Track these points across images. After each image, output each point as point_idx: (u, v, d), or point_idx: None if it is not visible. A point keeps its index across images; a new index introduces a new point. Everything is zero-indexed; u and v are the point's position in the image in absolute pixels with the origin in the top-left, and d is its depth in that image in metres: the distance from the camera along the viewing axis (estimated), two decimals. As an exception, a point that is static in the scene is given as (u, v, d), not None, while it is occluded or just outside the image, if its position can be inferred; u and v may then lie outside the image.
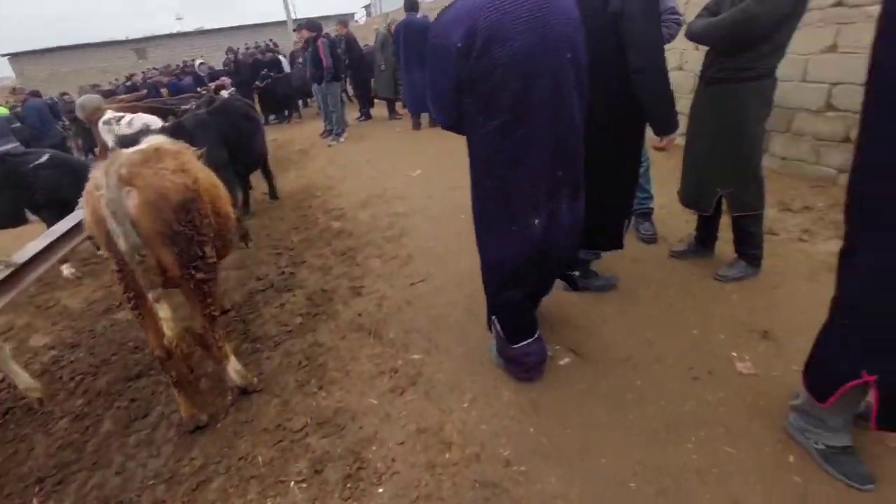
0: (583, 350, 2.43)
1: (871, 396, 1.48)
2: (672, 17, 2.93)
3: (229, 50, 11.12)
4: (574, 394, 2.17)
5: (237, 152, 4.21)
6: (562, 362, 2.37)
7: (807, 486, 1.65)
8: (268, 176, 5.47)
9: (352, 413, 2.23)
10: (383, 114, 10.02)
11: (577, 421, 2.02)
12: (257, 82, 10.64)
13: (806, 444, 1.74)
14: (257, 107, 10.32)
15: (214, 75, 10.55)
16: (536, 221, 1.89)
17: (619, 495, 1.70)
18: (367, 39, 11.79)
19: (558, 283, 2.57)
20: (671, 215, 3.66)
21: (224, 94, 7.88)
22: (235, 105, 4.44)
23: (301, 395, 2.39)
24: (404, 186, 5.36)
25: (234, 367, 2.38)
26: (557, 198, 1.93)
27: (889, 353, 1.42)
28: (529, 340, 2.16)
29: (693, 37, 2.62)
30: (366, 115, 10.13)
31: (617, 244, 2.60)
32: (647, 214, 3.53)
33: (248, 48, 16.03)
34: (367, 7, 27.62)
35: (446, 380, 2.36)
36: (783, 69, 4.07)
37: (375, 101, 10.18)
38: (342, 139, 8.32)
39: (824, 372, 1.61)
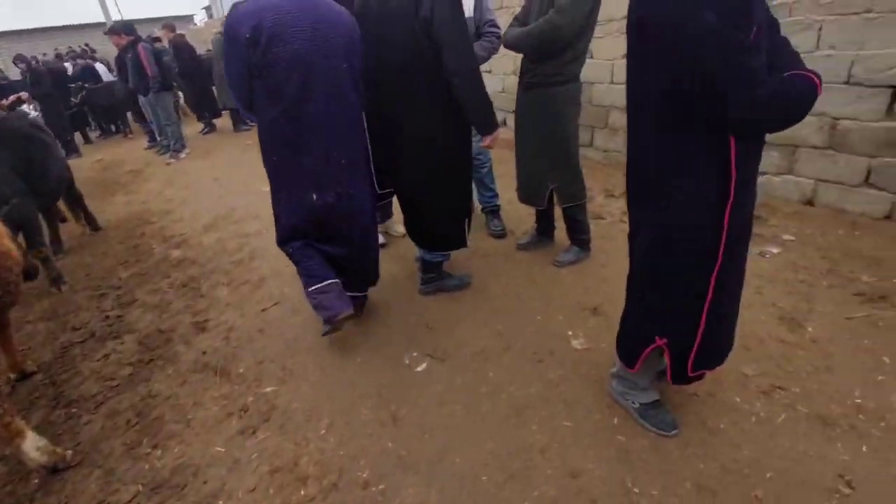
0: (438, 352, 2.47)
1: (665, 357, 1.73)
2: (493, 31, 3.12)
3: (18, 58, 9.20)
4: (432, 397, 2.20)
5: (28, 180, 3.51)
6: (419, 368, 2.39)
7: (629, 442, 1.88)
8: (77, 205, 4.67)
9: (194, 468, 1.99)
10: (229, 125, 9.27)
11: (437, 424, 2.05)
12: (72, 97, 9.09)
13: (626, 405, 1.98)
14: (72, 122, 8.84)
15: (8, 88, 8.73)
16: (314, 196, 2.20)
17: (474, 491, 1.75)
18: (208, 44, 10.78)
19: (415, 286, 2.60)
20: (516, 209, 3.93)
21: (26, 109, 6.56)
22: (14, 125, 3.67)
23: (130, 459, 2.07)
24: (257, 203, 4.99)
25: (32, 445, 1.97)
26: (335, 174, 2.21)
27: (671, 318, 1.66)
28: (320, 285, 2.31)
29: (507, 45, 2.83)
30: (210, 128, 9.27)
31: (460, 244, 2.70)
32: (494, 211, 3.74)
33: (45, 55, 13.64)
34: (207, 8, 25.16)
35: (303, 408, 2.23)
36: (595, 73, 4.58)
37: (221, 112, 9.36)
38: (182, 155, 7.50)
39: (629, 340, 1.83)
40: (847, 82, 3.12)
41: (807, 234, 3.29)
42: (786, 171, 3.59)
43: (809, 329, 2.44)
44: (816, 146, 3.38)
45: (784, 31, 1.46)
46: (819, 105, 3.30)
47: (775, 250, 3.14)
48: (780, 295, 2.71)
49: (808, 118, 3.22)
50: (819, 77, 1.31)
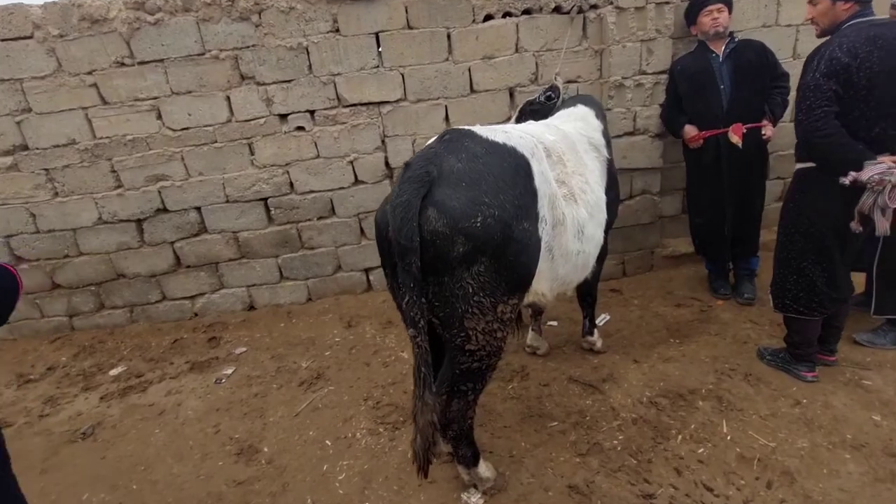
0: None
1: None
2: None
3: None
4: None
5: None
6: None
7: None
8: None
9: None
10: None
11: None
12: None
13: None
14: None
15: None
16: None
17: None
18: None
19: None
20: None
21: None
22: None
23: None
24: None
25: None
26: None
27: None
28: None
29: None
30: None
31: None
32: None
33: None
34: None
35: None
36: None
37: None
38: None
39: None
40: (227, 201, 3.39)
41: (257, 339, 3.37)
42: (218, 286, 3.61)
43: (265, 450, 2.33)
44: (233, 258, 3.54)
45: None
46: (220, 224, 3.51)
47: (229, 371, 3.01)
48: (235, 423, 2.54)
49: (217, 237, 3.71)
50: None
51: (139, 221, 3.41)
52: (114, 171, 3.28)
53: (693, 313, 3.17)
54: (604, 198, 2.13)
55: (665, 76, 3.22)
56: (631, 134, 3.36)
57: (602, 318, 3.21)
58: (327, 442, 2.34)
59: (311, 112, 3.26)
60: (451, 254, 1.39)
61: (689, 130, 3.05)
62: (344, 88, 3.21)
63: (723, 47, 2.96)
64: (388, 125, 3.33)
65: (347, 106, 3.26)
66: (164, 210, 3.39)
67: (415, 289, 1.39)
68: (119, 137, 3.21)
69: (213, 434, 2.50)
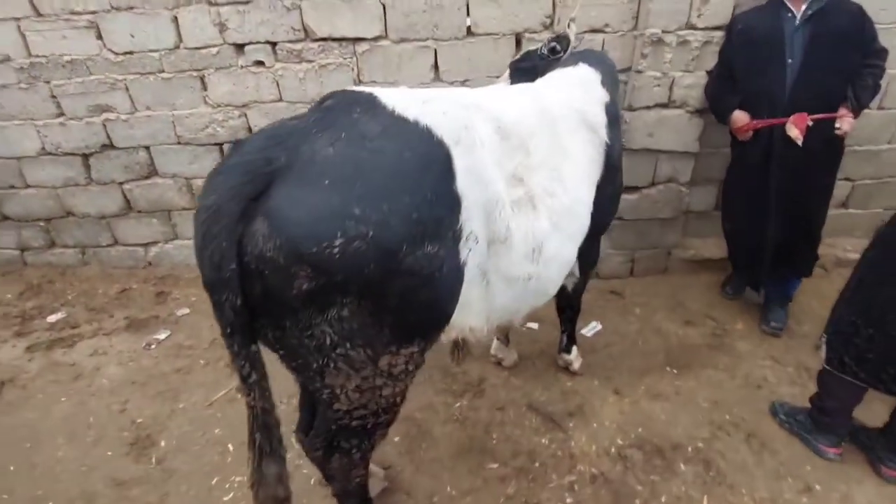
0: None
1: None
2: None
3: None
4: None
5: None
6: None
7: None
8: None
9: None
10: None
11: None
12: None
13: None
14: None
15: None
16: None
17: None
18: None
19: None
20: None
21: None
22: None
23: None
24: None
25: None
26: None
27: None
28: None
29: None
30: None
31: None
32: None
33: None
34: None
35: None
36: None
37: None
38: None
39: None
40: (179, 142, 2.97)
41: (203, 300, 3.05)
42: (172, 236, 3.28)
43: (162, 444, 2.04)
44: (187, 207, 3.17)
45: None
46: (172, 168, 3.11)
47: (163, 336, 2.72)
48: (145, 403, 2.26)
49: (169, 182, 3.34)
50: None
51: (85, 157, 3.04)
52: (54, 97, 2.88)
53: (703, 336, 2.61)
54: (585, 199, 1.57)
55: (720, 35, 2.46)
56: (664, 106, 2.66)
57: (591, 327, 2.70)
58: (230, 446, 2.02)
59: (273, 44, 2.70)
60: (287, 291, 0.91)
61: (739, 117, 2.32)
62: (311, 17, 2.62)
63: (803, 5, 2.15)
64: (364, 68, 2.75)
65: (316, 40, 2.68)
66: (111, 146, 3.00)
67: (234, 336, 0.94)
68: (56, 57, 2.77)
69: (118, 413, 2.22)
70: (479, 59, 2.69)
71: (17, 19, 2.71)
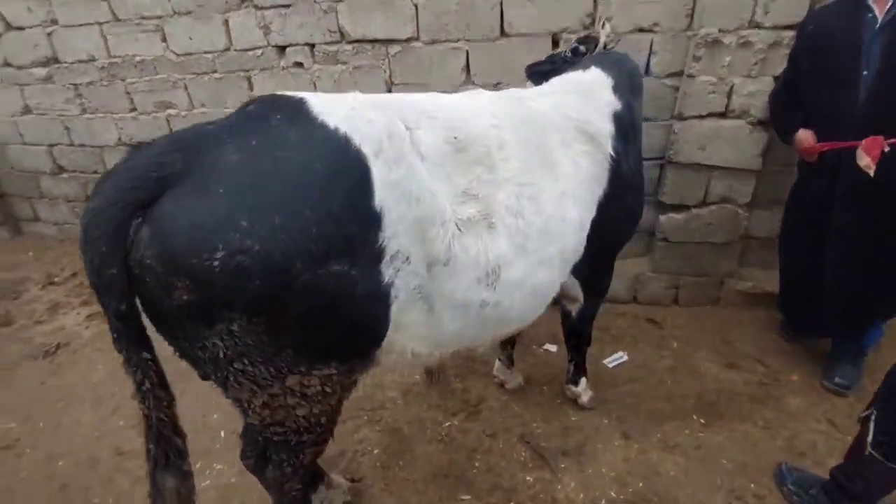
0: None
1: None
2: None
3: None
4: None
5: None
6: None
7: None
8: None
9: None
10: None
11: None
12: None
13: None
14: None
15: None
16: None
17: None
18: None
19: None
20: None
21: None
22: None
23: None
24: None
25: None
26: None
27: None
28: None
29: None
30: None
31: None
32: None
33: None
34: None
35: None
36: None
37: None
38: None
39: None
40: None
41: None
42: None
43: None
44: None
45: None
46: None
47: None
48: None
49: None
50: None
51: (152, 148, 3.36)
52: (128, 94, 3.21)
53: (747, 383, 2.24)
54: (572, 219, 1.39)
55: (791, 35, 2.09)
56: (721, 116, 2.33)
57: (615, 358, 2.44)
58: (222, 433, 2.09)
59: (311, 46, 2.77)
60: (168, 302, 0.89)
61: (804, 137, 1.95)
62: (346, 19, 2.64)
63: (888, 3, 1.71)
64: (396, 70, 2.72)
65: (350, 42, 2.71)
66: (173, 139, 3.28)
67: (121, 341, 0.94)
68: (129, 57, 3.08)
69: (140, 386, 2.41)
70: (513, 60, 2.54)
71: (101, 24, 3.05)
